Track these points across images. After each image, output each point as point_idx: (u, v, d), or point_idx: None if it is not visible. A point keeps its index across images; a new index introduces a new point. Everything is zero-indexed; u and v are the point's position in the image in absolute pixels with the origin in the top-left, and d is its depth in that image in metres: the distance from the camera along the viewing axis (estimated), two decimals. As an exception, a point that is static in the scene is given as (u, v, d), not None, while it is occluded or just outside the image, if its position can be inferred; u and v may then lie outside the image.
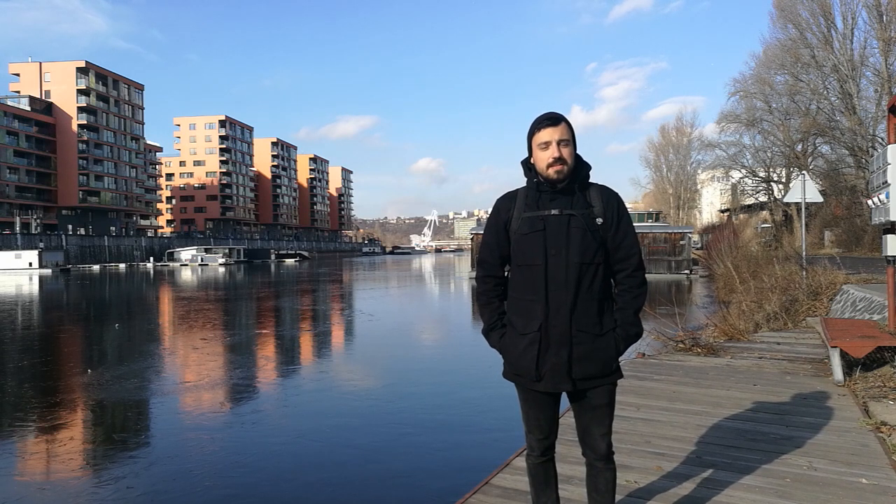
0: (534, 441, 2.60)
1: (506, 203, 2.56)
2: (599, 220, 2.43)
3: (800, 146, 42.05)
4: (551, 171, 2.41)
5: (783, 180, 44.07)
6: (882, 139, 32.71)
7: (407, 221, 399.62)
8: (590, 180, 2.53)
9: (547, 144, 2.41)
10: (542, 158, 2.43)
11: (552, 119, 2.43)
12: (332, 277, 49.06)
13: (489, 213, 2.79)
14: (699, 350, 8.04)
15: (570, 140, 2.43)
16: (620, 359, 2.53)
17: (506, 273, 2.63)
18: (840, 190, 36.67)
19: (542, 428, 2.56)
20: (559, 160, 2.40)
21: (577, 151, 2.50)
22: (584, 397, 2.49)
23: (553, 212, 2.43)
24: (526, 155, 2.55)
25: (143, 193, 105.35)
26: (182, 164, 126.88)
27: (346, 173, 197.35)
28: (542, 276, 2.41)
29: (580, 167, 2.48)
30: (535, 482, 2.67)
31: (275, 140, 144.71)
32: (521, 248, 2.47)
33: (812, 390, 5.78)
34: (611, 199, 2.49)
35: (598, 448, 2.51)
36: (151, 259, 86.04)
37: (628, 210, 2.56)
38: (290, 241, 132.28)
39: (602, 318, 2.45)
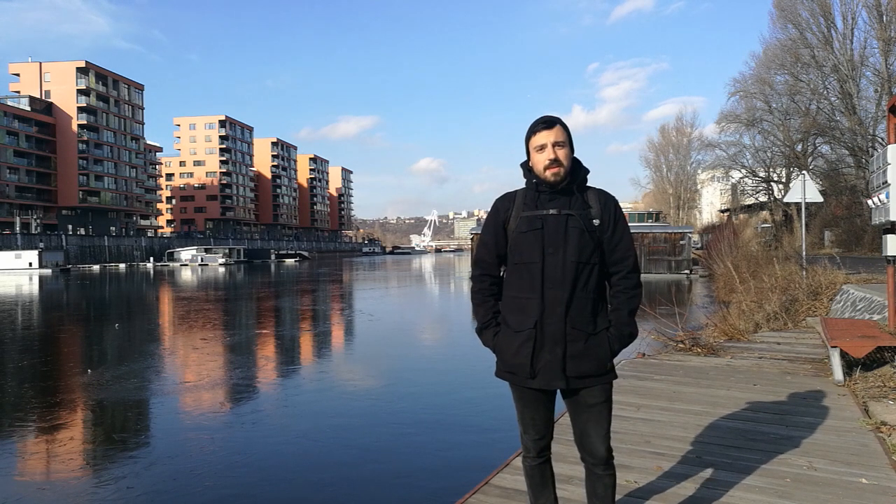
0: (529, 441, 2.60)
1: (504, 203, 2.59)
2: (596, 222, 2.46)
3: (800, 146, 42.05)
4: (548, 174, 2.45)
5: (783, 180, 44.06)
6: (882, 139, 32.72)
7: (407, 221, 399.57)
8: (588, 184, 2.56)
9: (542, 147, 2.45)
10: (539, 161, 2.47)
11: (547, 122, 2.46)
12: (332, 277, 49.06)
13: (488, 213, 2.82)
14: (699, 350, 8.04)
15: (566, 142, 2.47)
16: (619, 359, 2.53)
17: (501, 273, 2.64)
18: (840, 190, 36.67)
19: (538, 427, 2.57)
20: (555, 162, 2.43)
21: (577, 154, 2.53)
22: (579, 397, 2.49)
23: (552, 211, 2.46)
24: (525, 157, 2.59)
25: (143, 193, 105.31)
26: (182, 164, 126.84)
27: (346, 173, 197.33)
28: (538, 274, 2.44)
29: (578, 169, 2.52)
30: (531, 484, 2.67)
31: (275, 140, 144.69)
32: (518, 246, 2.50)
33: (812, 390, 5.77)
34: (608, 201, 2.52)
35: (597, 451, 2.49)
36: (151, 259, 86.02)
37: (626, 212, 2.58)
38: (290, 241, 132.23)
39: (596, 318, 2.47)
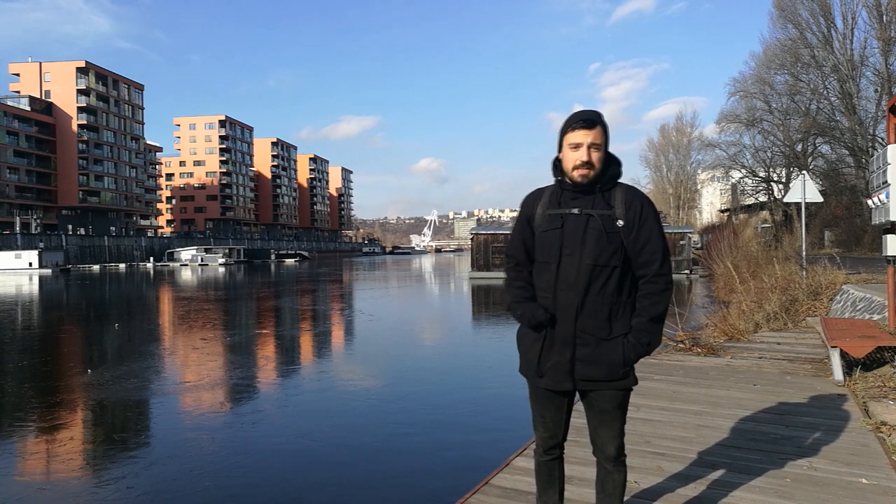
0: (538, 438, 2.62)
1: (531, 199, 2.57)
2: (620, 223, 2.37)
3: (800, 146, 42.04)
4: (576, 174, 2.38)
5: (783, 180, 44.04)
6: (882, 139, 32.72)
7: (407, 221, 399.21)
8: (619, 180, 2.47)
9: (578, 146, 2.37)
10: (571, 159, 2.39)
11: (588, 121, 2.36)
12: (332, 277, 49.06)
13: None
14: (699, 350, 8.03)
15: (603, 144, 2.39)
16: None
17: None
18: (840, 190, 36.69)
19: (547, 426, 2.57)
20: (587, 164, 2.36)
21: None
22: (592, 400, 2.48)
23: (573, 211, 2.41)
24: (552, 153, 2.50)
25: (143, 193, 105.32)
26: (182, 164, 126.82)
27: (346, 173, 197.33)
28: (553, 275, 2.41)
29: (608, 167, 2.43)
30: (538, 479, 2.69)
31: (275, 140, 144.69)
32: (540, 245, 2.47)
33: (812, 390, 5.77)
34: (634, 201, 2.40)
35: (607, 450, 2.51)
36: (151, 259, 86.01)
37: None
38: (290, 241, 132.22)
39: (612, 323, 2.39)
